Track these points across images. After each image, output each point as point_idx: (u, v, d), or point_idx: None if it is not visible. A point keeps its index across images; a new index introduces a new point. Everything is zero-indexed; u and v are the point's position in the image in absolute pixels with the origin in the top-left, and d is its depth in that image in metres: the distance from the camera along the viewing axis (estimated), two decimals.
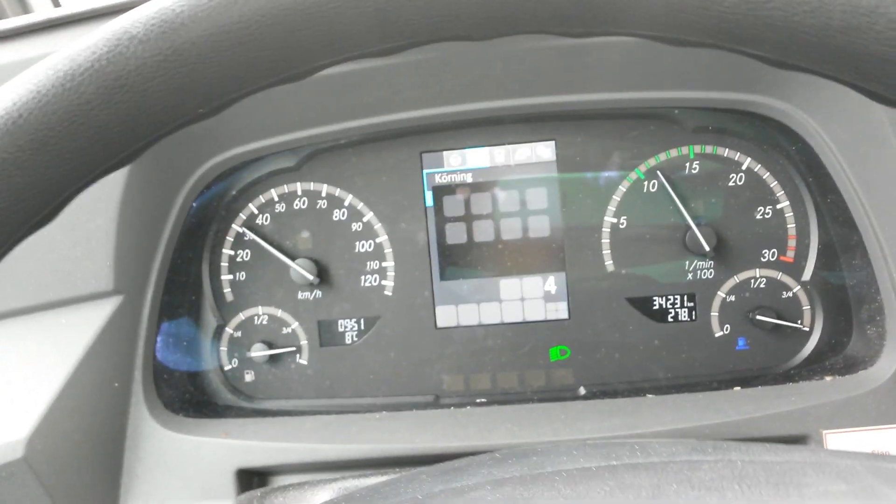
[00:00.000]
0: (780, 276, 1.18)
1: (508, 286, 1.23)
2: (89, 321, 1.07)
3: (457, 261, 1.24)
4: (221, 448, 1.10)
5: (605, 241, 1.21)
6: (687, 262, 1.20)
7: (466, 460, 0.59)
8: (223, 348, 1.27)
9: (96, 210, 1.06)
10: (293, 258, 1.22)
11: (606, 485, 0.46)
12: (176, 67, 0.42)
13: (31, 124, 0.41)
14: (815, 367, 1.15)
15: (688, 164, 1.19)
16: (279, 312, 1.26)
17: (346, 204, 1.24)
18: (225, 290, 1.27)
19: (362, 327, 1.25)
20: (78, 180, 0.45)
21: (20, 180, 0.42)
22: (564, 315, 1.23)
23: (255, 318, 1.26)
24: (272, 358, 1.25)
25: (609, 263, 1.21)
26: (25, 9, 1.70)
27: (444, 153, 1.23)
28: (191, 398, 1.22)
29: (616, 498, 0.44)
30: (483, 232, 1.23)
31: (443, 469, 0.58)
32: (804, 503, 0.41)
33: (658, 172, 1.19)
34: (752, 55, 0.43)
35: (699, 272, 1.20)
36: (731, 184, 1.18)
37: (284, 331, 1.26)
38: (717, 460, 0.48)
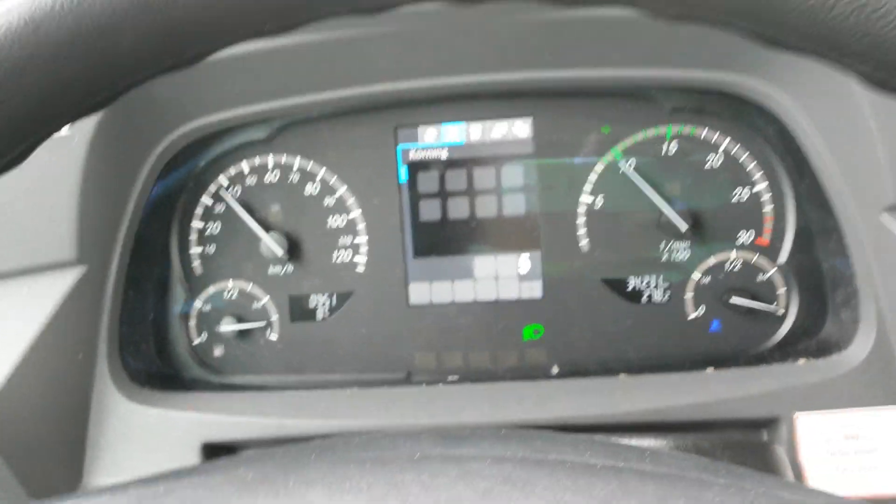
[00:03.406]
0: (755, 258, 1.17)
1: (483, 264, 1.22)
2: (52, 291, 1.05)
3: (430, 238, 1.22)
4: (188, 421, 1.09)
5: (581, 220, 1.19)
6: (662, 244, 1.19)
7: (469, 430, 0.58)
8: (192, 322, 1.25)
9: (59, 178, 1.03)
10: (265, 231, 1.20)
11: (610, 485, 0.46)
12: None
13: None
14: (789, 349, 1.14)
15: (665, 145, 1.17)
16: (249, 287, 1.24)
17: (318, 178, 1.22)
18: (194, 263, 1.24)
19: (334, 303, 1.24)
20: (49, 122, 0.45)
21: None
22: (538, 294, 1.21)
23: (225, 292, 1.24)
24: (242, 333, 1.23)
25: (584, 243, 1.20)
26: None
27: (420, 128, 1.21)
28: (158, 372, 1.20)
29: (618, 500, 0.44)
30: (458, 209, 1.21)
31: (443, 434, 0.57)
32: None
33: (635, 152, 1.18)
34: (744, 32, 0.42)
35: (674, 254, 1.19)
36: (708, 165, 1.17)
37: (255, 305, 1.24)
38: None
